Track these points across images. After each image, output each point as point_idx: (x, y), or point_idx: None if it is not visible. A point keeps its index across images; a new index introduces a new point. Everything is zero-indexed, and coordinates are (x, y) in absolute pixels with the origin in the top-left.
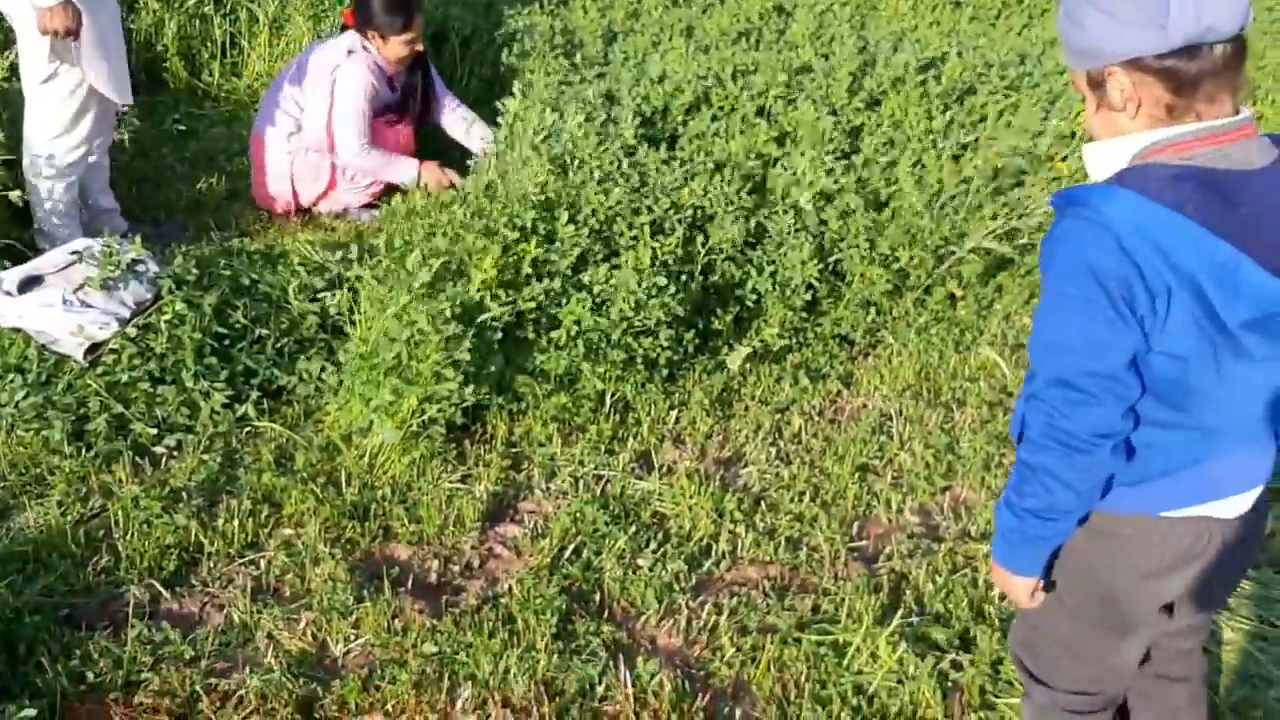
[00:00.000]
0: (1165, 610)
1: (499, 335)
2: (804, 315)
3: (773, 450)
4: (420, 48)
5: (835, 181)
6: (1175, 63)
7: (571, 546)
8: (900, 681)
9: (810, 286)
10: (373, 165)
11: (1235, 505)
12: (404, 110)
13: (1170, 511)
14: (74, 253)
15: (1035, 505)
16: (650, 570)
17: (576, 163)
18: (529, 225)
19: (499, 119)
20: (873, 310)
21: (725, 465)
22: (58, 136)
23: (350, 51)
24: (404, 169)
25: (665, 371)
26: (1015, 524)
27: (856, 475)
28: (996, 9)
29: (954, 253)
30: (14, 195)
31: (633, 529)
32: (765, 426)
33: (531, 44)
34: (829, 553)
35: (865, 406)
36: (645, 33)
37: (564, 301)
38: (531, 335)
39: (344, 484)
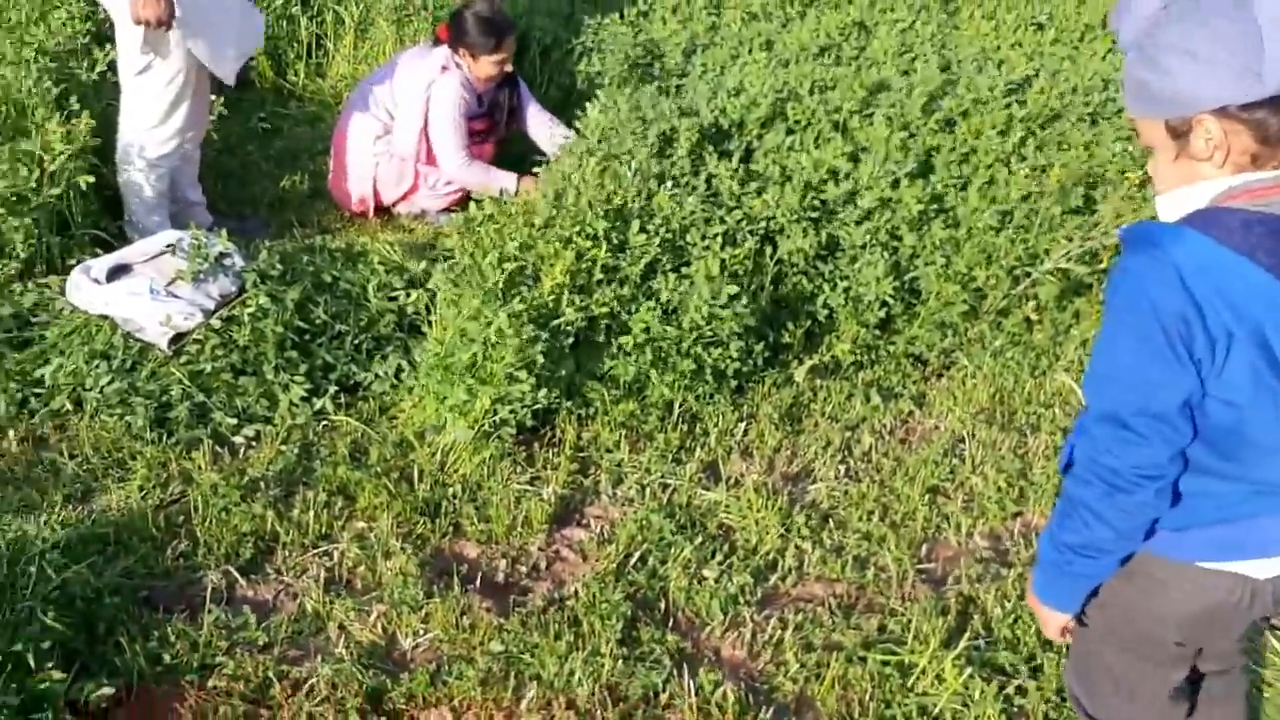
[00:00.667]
0: (1198, 651)
1: (570, 340)
2: (877, 332)
3: (842, 467)
4: (509, 69)
5: (905, 194)
6: (1266, 113)
7: (637, 554)
8: (965, 705)
9: (884, 303)
10: (474, 179)
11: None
12: (490, 124)
13: (1209, 563)
14: (167, 245)
15: (1074, 540)
16: (716, 582)
17: (647, 171)
18: (600, 233)
19: (575, 125)
20: (948, 331)
21: (793, 480)
22: (152, 128)
23: (444, 68)
24: (504, 181)
25: (734, 383)
26: (1054, 557)
27: (926, 497)
28: (1080, 32)
29: (1030, 274)
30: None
31: (699, 539)
32: (835, 443)
33: (611, 54)
34: (897, 573)
35: (937, 428)
36: (724, 46)
37: (634, 309)
38: (602, 341)
39: (416, 480)
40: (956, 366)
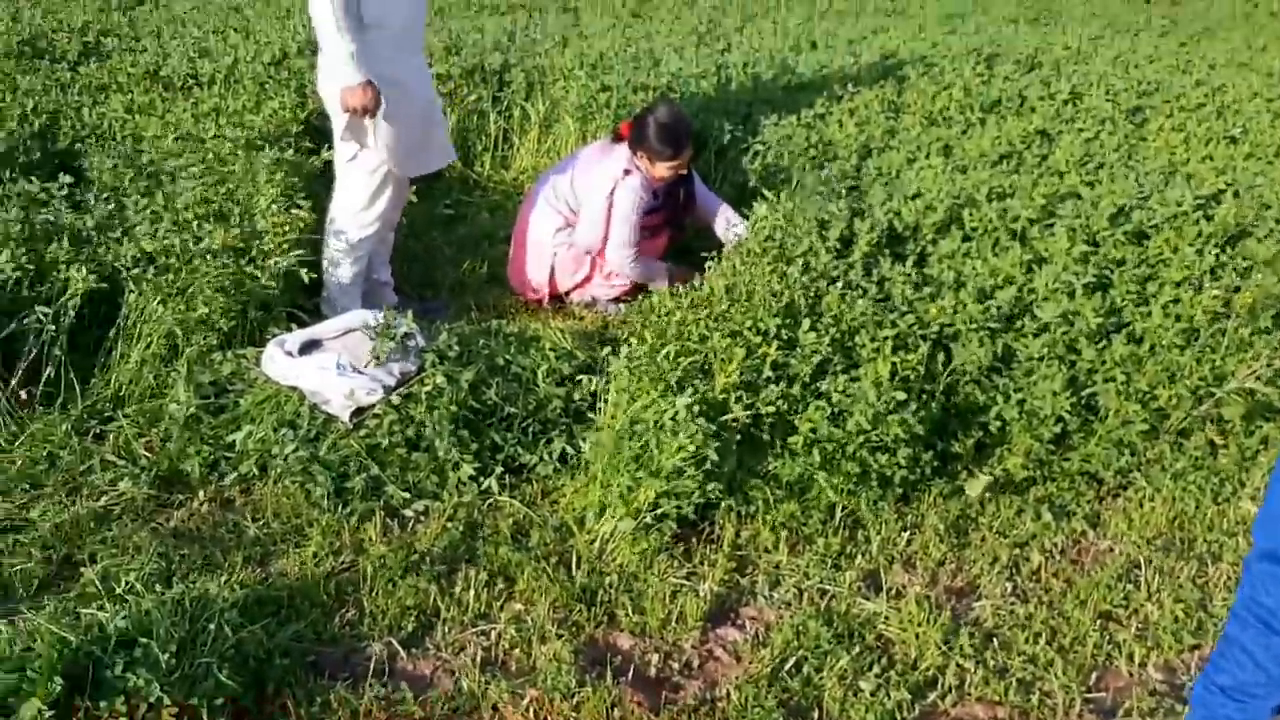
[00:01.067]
0: None
1: (737, 436)
2: (1051, 447)
3: (1009, 585)
4: (684, 172)
5: (1084, 307)
6: None
7: (792, 659)
8: None
9: (1060, 418)
10: (637, 273)
11: None
12: (665, 217)
13: None
14: (357, 324)
15: (1226, 682)
16: (872, 695)
17: (820, 271)
18: (771, 330)
19: (747, 221)
20: (1126, 450)
21: (957, 595)
22: (357, 212)
23: (627, 170)
24: (659, 276)
25: (899, 490)
26: (1204, 697)
27: (1098, 622)
28: (1275, 147)
29: (1214, 394)
30: (303, 271)
31: (856, 649)
32: (1003, 560)
33: (787, 154)
34: (1063, 700)
35: (1111, 550)
36: (901, 149)
37: (802, 408)
38: (767, 438)
39: (574, 566)
40: (1134, 487)
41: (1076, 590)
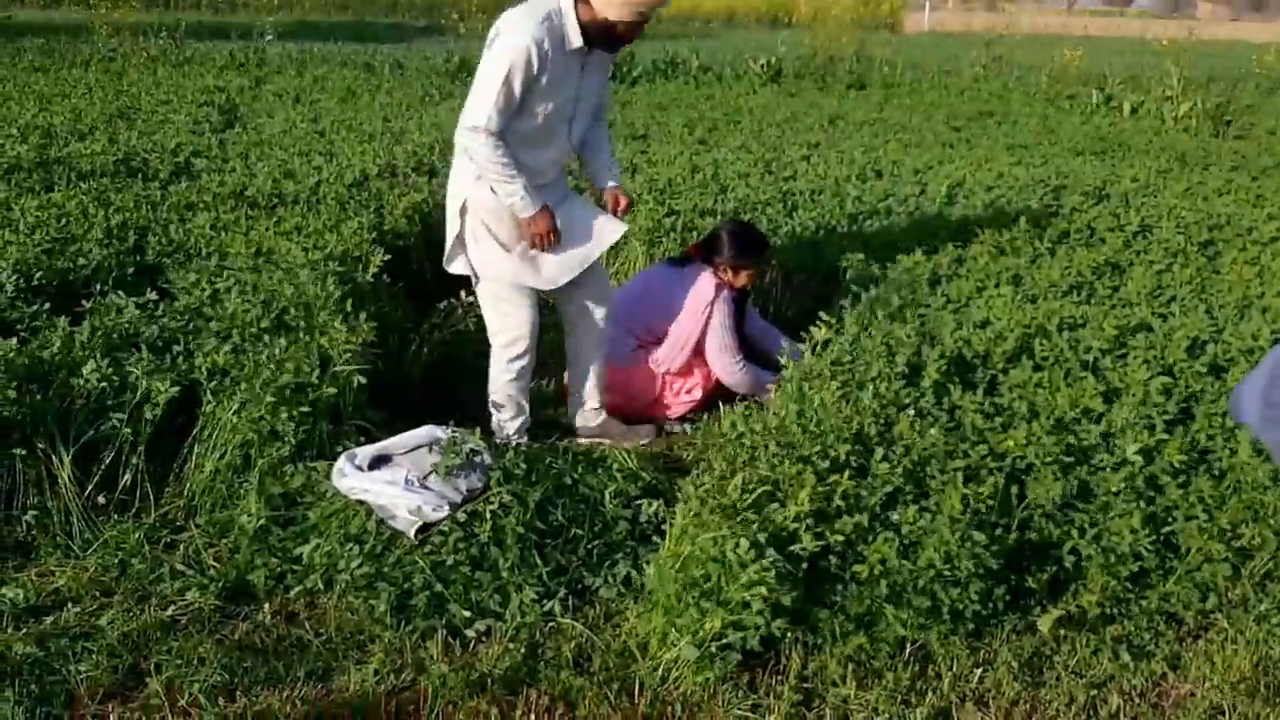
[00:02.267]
0: None
1: (804, 565)
2: (1129, 585)
3: None
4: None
5: (1170, 446)
6: None
7: None
8: None
9: (1138, 555)
10: (747, 383)
11: None
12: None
13: None
14: (423, 440)
15: None
16: None
17: (889, 398)
18: (842, 457)
19: (803, 342)
20: (1208, 590)
21: None
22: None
23: (718, 286)
24: (767, 383)
25: (971, 625)
26: None
27: None
28: None
29: None
30: (356, 378)
31: None
32: (1079, 701)
33: (853, 283)
34: None
35: (1193, 694)
36: (970, 278)
37: (871, 539)
38: (835, 569)
39: (636, 693)
40: (1216, 629)
41: None
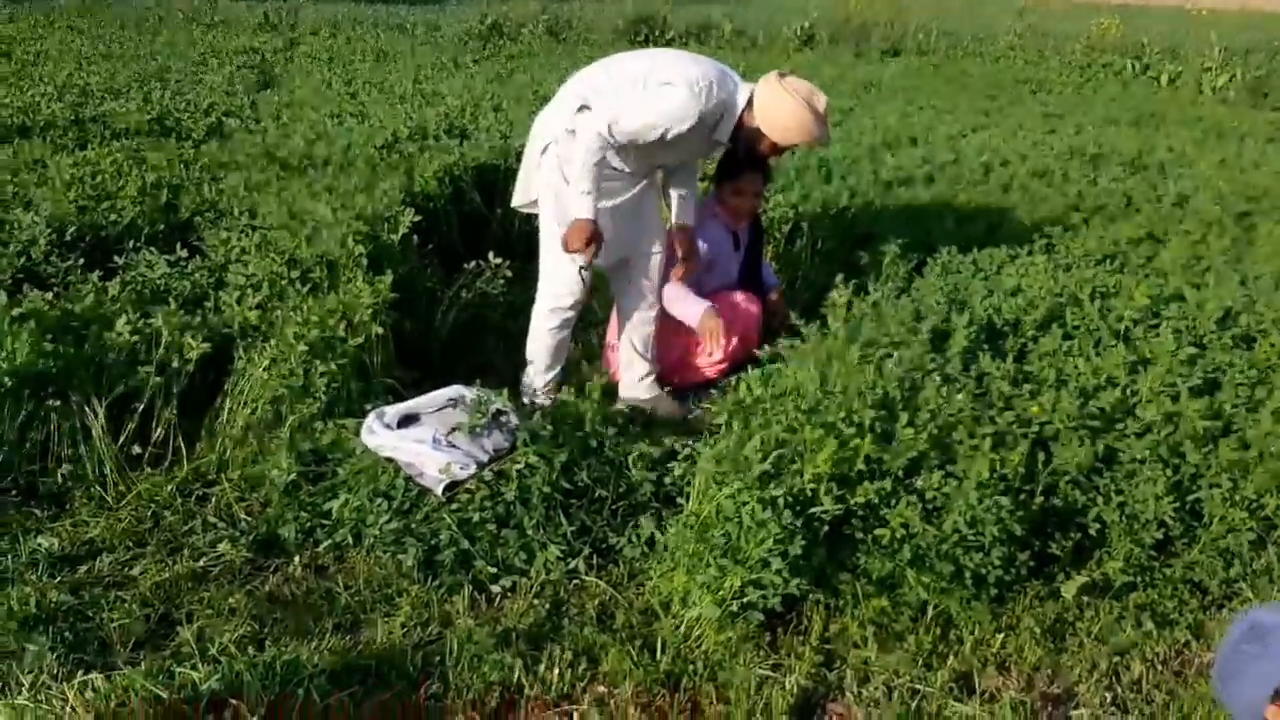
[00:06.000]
0: None
1: (825, 528)
2: (1153, 553)
3: (1108, 694)
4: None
5: (1190, 410)
6: None
7: None
8: None
9: (1162, 524)
10: (680, 300)
11: None
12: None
13: None
14: (451, 399)
15: None
16: None
17: (915, 364)
18: (866, 423)
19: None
20: (1232, 559)
21: (1054, 702)
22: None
23: (713, 216)
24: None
25: (994, 591)
26: None
27: None
28: None
29: None
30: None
31: None
32: (1101, 667)
33: (881, 245)
34: None
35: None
36: (1003, 246)
37: (894, 503)
38: (859, 534)
39: (659, 650)
40: (1239, 598)
41: (1180, 703)
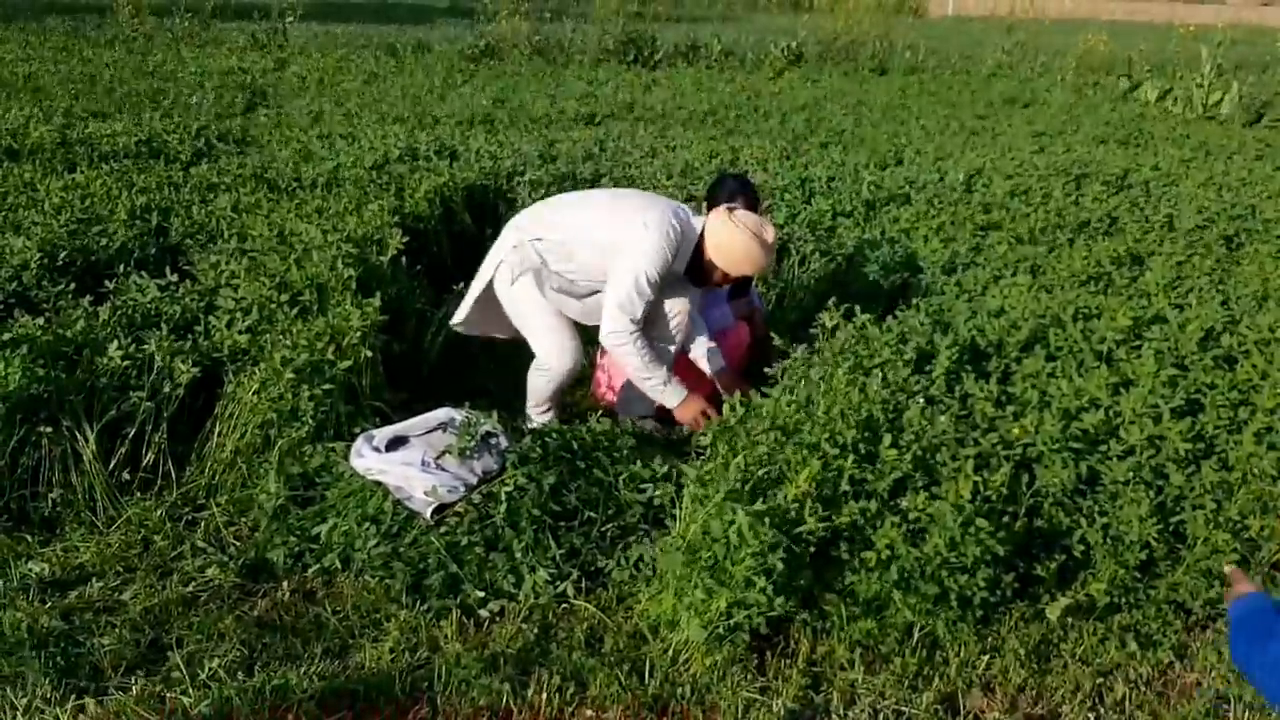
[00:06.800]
0: None
1: (811, 549)
2: (1136, 575)
3: (1092, 715)
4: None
5: (1172, 431)
6: None
7: None
8: None
9: (1146, 545)
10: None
11: None
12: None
13: None
14: (441, 422)
15: None
16: None
17: (899, 385)
18: (849, 443)
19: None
20: (1215, 580)
21: None
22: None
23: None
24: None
25: (979, 612)
26: None
27: None
28: None
29: None
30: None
31: None
32: (1085, 688)
33: (869, 264)
34: None
35: (1200, 683)
36: (987, 267)
37: (879, 525)
38: (844, 555)
39: (647, 673)
40: (1224, 619)
41: None
